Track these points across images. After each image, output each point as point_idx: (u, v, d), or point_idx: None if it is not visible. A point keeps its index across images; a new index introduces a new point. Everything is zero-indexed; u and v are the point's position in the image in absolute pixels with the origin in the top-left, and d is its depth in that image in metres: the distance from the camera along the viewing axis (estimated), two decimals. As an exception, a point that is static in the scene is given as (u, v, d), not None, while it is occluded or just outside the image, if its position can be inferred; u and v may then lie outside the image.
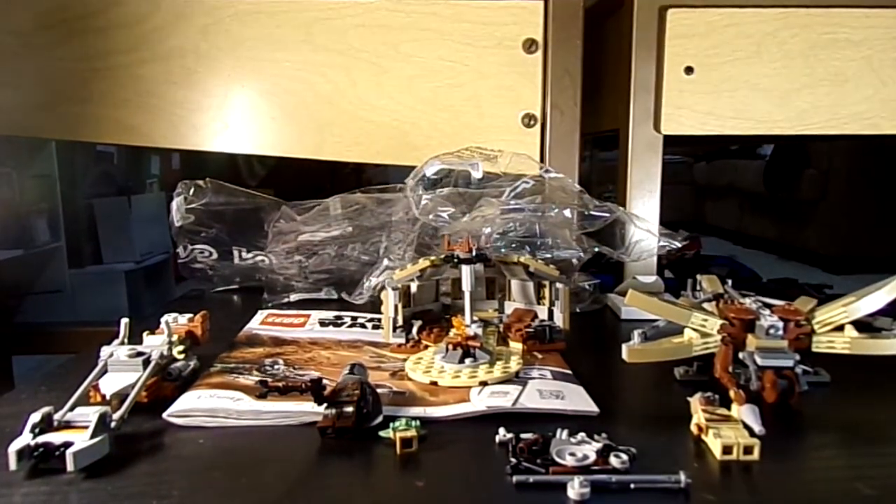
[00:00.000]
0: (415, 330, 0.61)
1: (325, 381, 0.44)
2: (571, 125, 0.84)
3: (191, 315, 0.56)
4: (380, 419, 0.44)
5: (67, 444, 0.38)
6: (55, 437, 0.39)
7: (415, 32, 0.83)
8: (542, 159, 0.84)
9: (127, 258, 2.51)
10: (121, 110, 0.86)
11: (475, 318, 0.61)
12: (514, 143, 0.84)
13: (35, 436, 0.39)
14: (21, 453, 0.37)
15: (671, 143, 0.85)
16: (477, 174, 0.73)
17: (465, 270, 0.60)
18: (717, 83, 0.82)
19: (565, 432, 0.40)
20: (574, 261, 0.71)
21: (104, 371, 0.47)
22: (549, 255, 0.70)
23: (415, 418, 0.43)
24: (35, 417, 0.39)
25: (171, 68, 0.85)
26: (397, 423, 0.42)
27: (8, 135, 0.90)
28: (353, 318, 0.70)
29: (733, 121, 0.84)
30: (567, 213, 0.70)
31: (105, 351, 0.49)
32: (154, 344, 0.51)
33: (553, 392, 0.49)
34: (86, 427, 0.39)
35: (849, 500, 0.37)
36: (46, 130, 0.92)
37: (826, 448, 0.44)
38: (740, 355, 0.48)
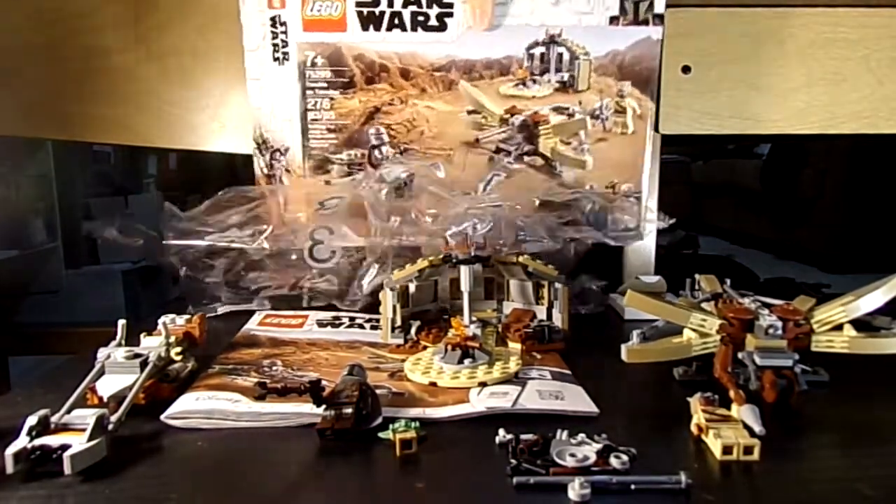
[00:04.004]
0: (413, 330, 0.61)
1: (323, 383, 0.44)
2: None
3: (188, 316, 0.56)
4: (379, 420, 0.43)
5: (65, 447, 0.38)
6: (52, 440, 0.39)
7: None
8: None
9: (123, 258, 2.50)
10: (118, 110, 0.86)
11: (474, 319, 0.61)
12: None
13: (32, 439, 0.38)
14: (18, 456, 0.37)
15: (669, 142, 0.85)
16: (440, 174, 0.71)
17: (464, 271, 0.60)
18: (714, 82, 0.82)
19: (565, 433, 0.40)
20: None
21: (101, 373, 0.47)
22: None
23: (414, 419, 0.43)
24: (32, 420, 0.39)
25: (168, 68, 0.85)
26: (397, 425, 0.42)
27: (4, 135, 0.89)
28: (352, 319, 0.70)
29: (731, 120, 0.83)
30: (537, 202, 0.69)
31: (102, 352, 0.49)
32: (151, 345, 0.50)
33: (552, 392, 0.49)
34: (83, 430, 0.39)
35: (849, 501, 0.37)
36: (43, 130, 0.91)
37: (826, 448, 0.44)
38: (739, 355, 0.48)
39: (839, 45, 0.82)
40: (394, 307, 0.61)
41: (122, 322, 0.52)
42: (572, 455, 0.38)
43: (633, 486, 0.36)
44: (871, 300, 0.48)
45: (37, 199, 2.24)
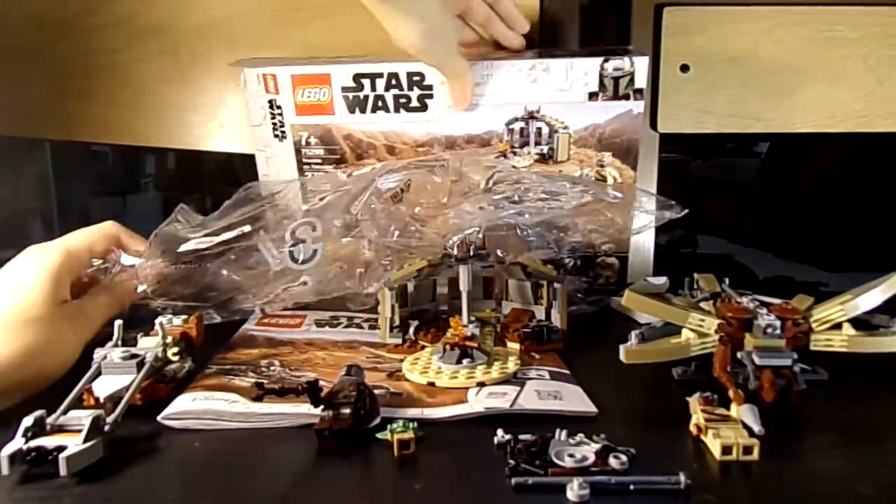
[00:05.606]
0: (412, 330, 0.61)
1: (321, 383, 0.44)
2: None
3: (185, 316, 0.56)
4: (377, 421, 0.43)
5: (60, 449, 0.37)
6: (48, 442, 0.38)
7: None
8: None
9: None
10: (116, 109, 0.86)
11: (472, 319, 0.61)
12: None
13: (27, 440, 0.38)
14: (13, 458, 0.37)
15: (668, 141, 0.85)
16: (437, 178, 0.71)
17: (463, 270, 0.60)
18: (713, 81, 0.82)
19: (564, 433, 0.40)
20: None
21: (98, 373, 0.47)
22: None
23: (412, 420, 0.43)
24: (28, 421, 0.39)
25: (166, 67, 0.84)
26: (395, 425, 0.41)
27: (2, 135, 0.89)
28: (350, 319, 0.70)
29: (730, 119, 0.83)
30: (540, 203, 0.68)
31: (99, 353, 0.48)
32: (148, 346, 0.50)
33: (551, 393, 0.49)
34: (79, 431, 0.39)
35: (849, 500, 0.37)
36: (41, 130, 0.91)
37: (826, 447, 0.44)
38: (738, 355, 0.48)
39: (838, 44, 0.81)
40: (392, 307, 0.61)
41: (118, 322, 0.52)
42: (571, 455, 0.38)
43: (632, 487, 0.36)
44: (869, 298, 0.48)
45: (35, 199, 2.24)
